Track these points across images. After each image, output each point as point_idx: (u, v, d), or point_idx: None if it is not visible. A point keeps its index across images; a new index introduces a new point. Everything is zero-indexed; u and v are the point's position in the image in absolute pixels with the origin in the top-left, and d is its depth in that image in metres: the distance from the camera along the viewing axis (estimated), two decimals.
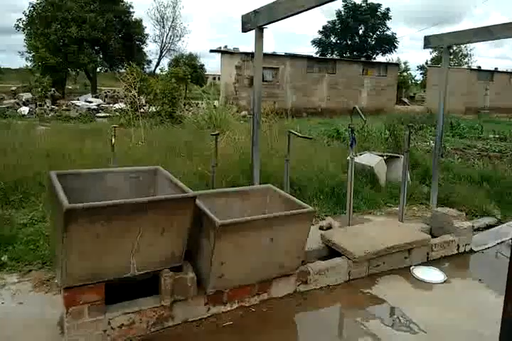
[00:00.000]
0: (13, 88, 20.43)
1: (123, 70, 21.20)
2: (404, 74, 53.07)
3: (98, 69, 37.43)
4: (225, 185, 5.73)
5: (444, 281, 3.60)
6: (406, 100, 45.27)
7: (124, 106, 16.28)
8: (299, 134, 3.68)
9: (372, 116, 23.87)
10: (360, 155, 6.62)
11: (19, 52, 33.06)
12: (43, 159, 6.26)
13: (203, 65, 38.19)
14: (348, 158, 6.71)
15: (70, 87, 39.49)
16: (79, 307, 2.62)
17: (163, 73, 18.37)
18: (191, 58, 36.70)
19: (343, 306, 3.25)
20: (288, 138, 3.83)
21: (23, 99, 18.79)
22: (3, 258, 3.84)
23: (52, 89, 19.56)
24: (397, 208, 5.64)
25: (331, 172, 6.13)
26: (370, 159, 6.29)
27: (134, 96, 16.53)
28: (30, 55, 29.98)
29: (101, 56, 37.83)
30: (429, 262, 3.94)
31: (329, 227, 4.71)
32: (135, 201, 2.51)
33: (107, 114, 15.80)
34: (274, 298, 3.20)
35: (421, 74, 60.85)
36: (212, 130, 8.98)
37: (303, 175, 5.95)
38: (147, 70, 38.93)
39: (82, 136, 9.06)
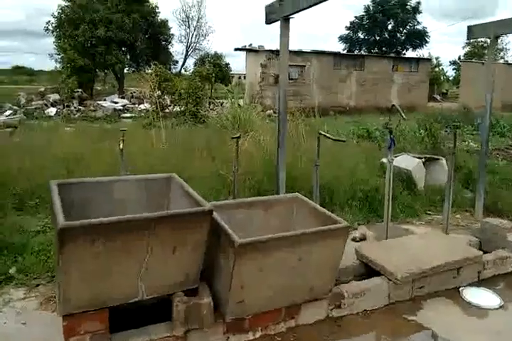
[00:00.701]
0: (42, 89, 20.68)
1: (150, 71, 21.15)
2: (436, 69, 51.35)
3: (126, 70, 37.76)
4: (247, 189, 5.37)
5: (500, 306, 3.10)
6: (438, 97, 43.80)
7: (149, 106, 16.20)
8: (331, 136, 3.27)
9: (404, 114, 23.08)
10: (396, 157, 6.11)
11: (49, 55, 33.67)
12: (61, 163, 6.05)
13: (228, 64, 37.90)
14: (384, 160, 6.25)
15: (98, 88, 39.99)
16: (80, 338, 2.30)
17: (188, 73, 18.16)
18: (216, 57, 36.46)
19: (383, 335, 2.82)
20: (318, 140, 3.42)
21: (51, 100, 18.97)
22: (11, 271, 3.58)
23: (79, 90, 19.66)
24: (439, 216, 5.14)
25: (363, 175, 5.65)
26: (407, 161, 5.79)
27: (159, 96, 16.46)
28: (59, 57, 30.45)
29: (128, 57, 38.17)
30: (480, 282, 3.44)
31: (363, 238, 4.26)
32: (141, 217, 2.16)
33: (132, 115, 15.71)
34: (303, 324, 2.80)
35: (453, 69, 58.87)
36: (235, 130, 8.63)
37: (332, 178, 5.52)
38: (173, 70, 39.06)
39: (103, 137, 8.89)
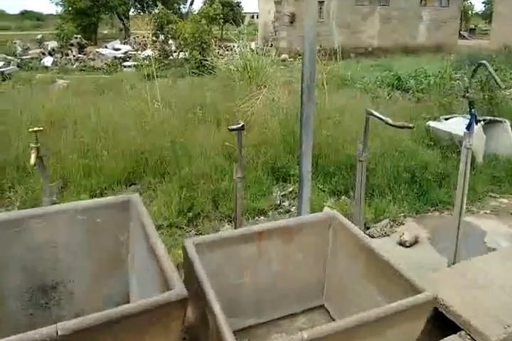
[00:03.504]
0: (39, 36, 19.06)
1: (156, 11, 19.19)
2: (465, 3, 46.99)
3: (131, 12, 35.26)
4: (260, 167, 4.27)
5: None
6: (466, 34, 40.35)
7: (152, 53, 14.68)
8: (392, 122, 2.08)
9: (431, 54, 20.94)
10: (447, 119, 4.86)
11: None
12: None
13: (240, 3, 34.99)
14: (432, 123, 4.94)
15: (105, 32, 37.69)
16: None
17: (194, 13, 16.32)
18: None
19: None
20: (366, 122, 2.23)
21: (49, 48, 17.45)
22: None
23: (78, 35, 18.01)
24: (506, 200, 4.02)
25: (407, 146, 4.47)
26: (462, 126, 4.53)
27: (162, 41, 14.87)
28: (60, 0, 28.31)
29: None
30: None
31: (414, 242, 3.20)
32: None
33: (135, 63, 14.26)
34: None
35: (483, 3, 53.96)
36: (246, 84, 7.33)
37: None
38: (183, 10, 36.23)
39: (96, 94, 7.73)
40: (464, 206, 2.70)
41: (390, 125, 2.14)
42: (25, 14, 54.58)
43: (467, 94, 2.39)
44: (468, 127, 2.42)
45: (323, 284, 2.02)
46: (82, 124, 5.35)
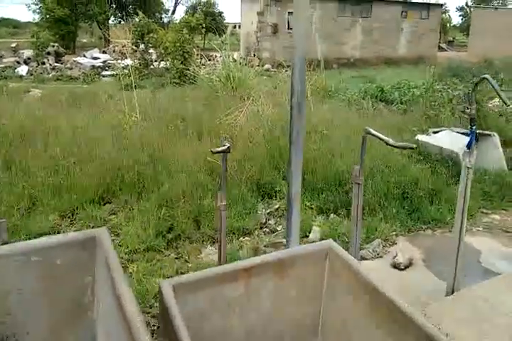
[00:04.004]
0: (14, 44, 18.55)
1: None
2: (443, 16, 48.14)
3: (111, 21, 34.99)
4: (243, 183, 4.05)
5: None
6: (444, 46, 41.25)
7: (132, 62, 14.41)
8: (393, 142, 1.89)
9: (412, 66, 21.18)
10: (435, 133, 4.74)
11: (26, 5, 30.86)
12: None
13: (222, 13, 35.03)
14: (420, 137, 4.79)
15: (84, 41, 37.18)
16: None
17: (176, 22, 16.14)
18: (209, 5, 33.60)
19: None
20: (362, 141, 2.03)
21: (24, 57, 17.00)
22: None
23: (55, 44, 17.59)
24: (498, 217, 3.89)
25: (396, 160, 4.32)
26: (451, 140, 4.43)
27: (143, 50, 14.60)
28: (38, 7, 27.87)
29: (113, 6, 35.06)
30: None
31: (409, 265, 3.02)
32: None
33: (114, 72, 13.96)
34: None
35: (460, 16, 55.42)
36: (228, 94, 7.15)
37: (353, 163, 4.20)
38: (165, 20, 36.03)
39: (71, 104, 7.41)
40: (464, 228, 2.54)
41: (391, 145, 1.96)
42: (2, 22, 53.56)
43: (467, 110, 2.22)
44: (469, 145, 2.26)
45: (318, 324, 1.80)
46: (54, 138, 5.05)
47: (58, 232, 3.45)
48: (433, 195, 3.85)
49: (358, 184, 2.07)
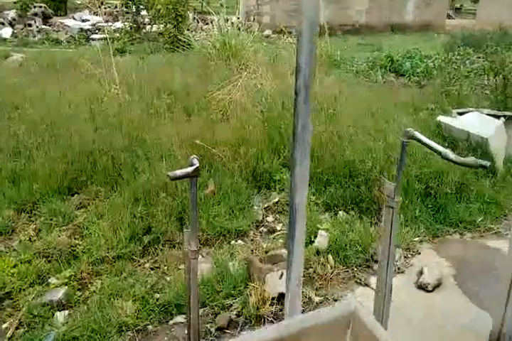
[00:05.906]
0: None
1: None
2: None
3: None
4: (238, 172, 3.45)
5: None
6: (451, 13, 39.53)
7: (123, 25, 13.40)
8: (452, 155, 1.27)
9: (419, 33, 20.04)
10: (460, 114, 4.09)
11: None
12: None
13: None
14: (442, 118, 4.05)
15: (78, 2, 35.26)
16: None
17: None
18: None
19: None
20: (401, 152, 1.39)
21: (9, 18, 15.86)
22: None
23: (41, 5, 16.41)
24: None
25: (416, 149, 3.68)
26: (479, 124, 3.79)
27: (134, 12, 13.55)
28: None
29: None
30: None
31: (437, 285, 2.46)
32: None
33: (105, 36, 12.98)
34: None
35: None
36: (225, 61, 6.39)
37: (366, 151, 3.58)
38: None
39: (48, 74, 6.64)
40: None
41: (453, 162, 1.34)
42: None
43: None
44: None
45: None
46: (23, 112, 4.39)
47: (13, 231, 2.89)
48: (461, 191, 3.26)
49: (392, 208, 1.46)
